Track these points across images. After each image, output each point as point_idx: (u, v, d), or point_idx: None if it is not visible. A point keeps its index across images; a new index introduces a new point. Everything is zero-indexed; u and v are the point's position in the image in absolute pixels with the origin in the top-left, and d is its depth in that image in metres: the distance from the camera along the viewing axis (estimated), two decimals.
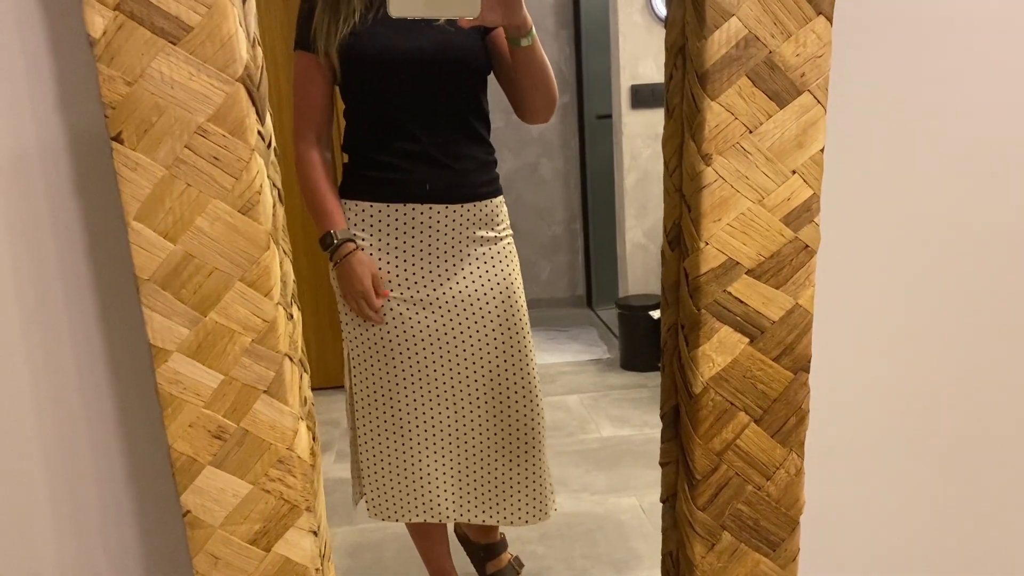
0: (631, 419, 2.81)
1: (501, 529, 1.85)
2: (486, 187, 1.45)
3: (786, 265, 0.78)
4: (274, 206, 0.75)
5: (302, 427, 0.79)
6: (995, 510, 1.07)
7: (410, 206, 1.39)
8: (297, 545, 0.80)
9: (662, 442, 0.92)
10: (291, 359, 0.77)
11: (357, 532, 2.16)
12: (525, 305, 1.54)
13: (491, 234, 1.46)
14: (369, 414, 1.51)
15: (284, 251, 0.79)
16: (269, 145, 0.76)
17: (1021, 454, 1.05)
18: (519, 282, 1.50)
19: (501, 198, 1.48)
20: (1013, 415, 1.04)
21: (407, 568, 1.90)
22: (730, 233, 0.76)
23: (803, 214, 0.77)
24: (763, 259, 0.77)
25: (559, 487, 2.34)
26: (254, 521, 0.78)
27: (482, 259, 1.46)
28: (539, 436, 1.58)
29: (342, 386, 3.34)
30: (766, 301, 0.79)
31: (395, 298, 1.44)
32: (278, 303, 0.74)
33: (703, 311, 0.78)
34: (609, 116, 3.25)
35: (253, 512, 0.78)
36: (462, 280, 1.46)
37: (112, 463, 0.90)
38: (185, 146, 0.68)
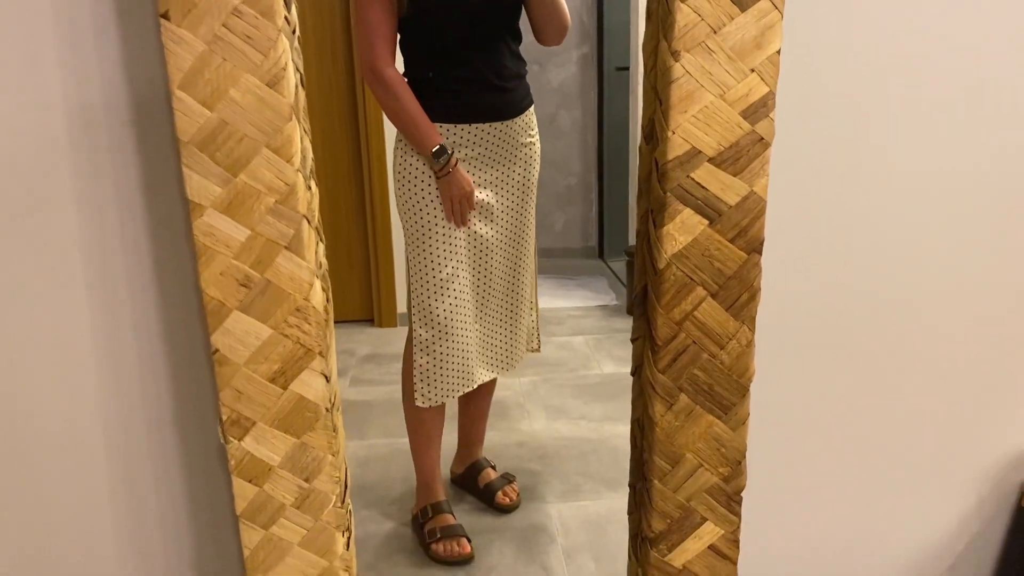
0: None
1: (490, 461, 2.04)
2: (525, 100, 1.64)
3: (743, 155, 0.88)
4: (296, 87, 0.87)
5: (317, 283, 0.91)
6: (926, 374, 1.19)
7: (474, 126, 1.56)
8: (311, 385, 0.93)
9: (633, 320, 1.04)
10: (309, 222, 0.89)
11: (367, 447, 2.31)
12: (535, 199, 1.75)
13: (528, 139, 1.67)
14: (421, 313, 1.66)
15: (304, 129, 0.91)
16: (294, 31, 0.87)
17: (960, 334, 1.16)
18: (536, 177, 1.73)
19: (533, 106, 1.68)
20: (953, 299, 1.15)
21: (408, 479, 2.05)
22: (694, 124, 0.87)
23: (760, 109, 0.87)
24: (723, 149, 0.88)
25: (559, 416, 2.47)
26: (273, 362, 0.91)
27: (520, 163, 1.67)
28: (533, 296, 1.84)
29: (358, 320, 3.48)
30: (724, 187, 0.89)
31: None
32: (298, 170, 0.86)
33: (668, 194, 0.89)
34: (628, 68, 3.32)
35: (273, 354, 0.91)
36: (507, 183, 1.66)
37: (148, 311, 1.04)
38: (222, 24, 0.80)
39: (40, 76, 0.95)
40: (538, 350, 1.93)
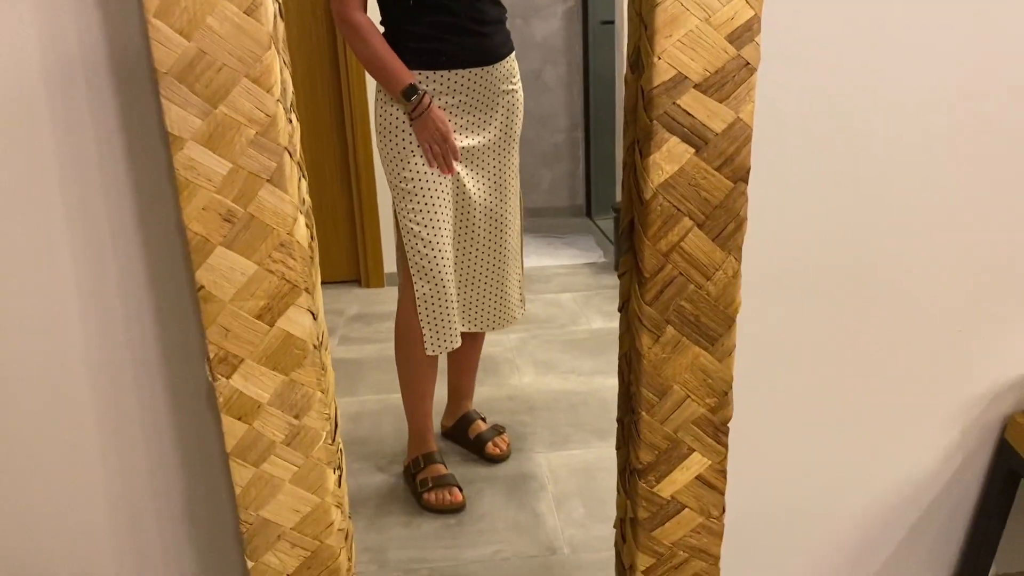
0: None
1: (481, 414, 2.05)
2: (505, 47, 1.63)
3: (729, 80, 0.88)
4: (275, 16, 0.85)
5: (301, 218, 0.90)
6: (911, 306, 1.20)
7: (454, 72, 1.55)
8: (297, 322, 0.92)
9: (620, 255, 1.03)
10: (291, 155, 0.88)
11: (359, 403, 2.32)
12: (518, 151, 1.74)
13: (510, 87, 1.65)
14: (417, 263, 1.65)
15: (284, 61, 0.89)
16: None
17: (945, 266, 1.17)
18: (519, 127, 1.71)
19: (514, 53, 1.66)
20: (939, 230, 1.15)
21: (399, 433, 2.06)
22: (680, 49, 0.86)
23: (745, 33, 0.86)
24: (709, 74, 0.87)
25: (548, 371, 2.49)
26: (259, 298, 0.91)
27: (501, 110, 1.65)
28: (518, 255, 1.83)
29: (346, 281, 3.48)
30: (710, 114, 0.89)
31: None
32: (278, 100, 0.84)
33: (654, 122, 0.89)
34: (612, 22, 3.28)
35: (259, 290, 0.90)
36: (488, 131, 1.64)
37: (132, 251, 1.03)
38: None
39: (12, 11, 0.93)
40: (523, 311, 1.93)
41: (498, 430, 2.01)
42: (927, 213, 1.14)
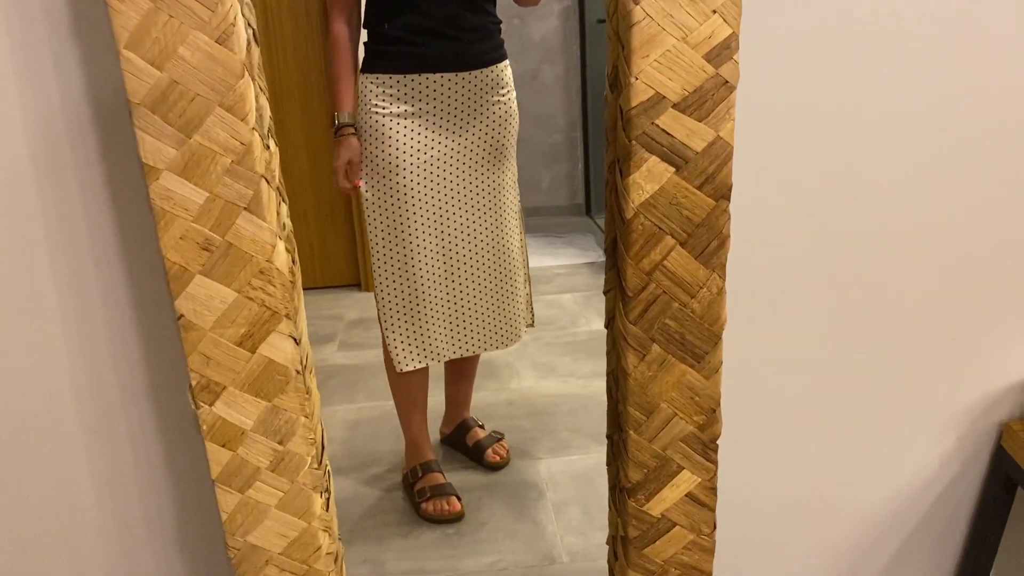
0: None
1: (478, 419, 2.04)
2: (489, 55, 1.60)
3: (708, 99, 0.87)
4: (249, 43, 0.84)
5: (280, 244, 0.90)
6: (900, 315, 1.18)
7: (424, 75, 1.54)
8: (279, 348, 0.92)
9: (606, 272, 1.03)
10: (268, 182, 0.87)
11: (356, 410, 2.32)
12: (514, 162, 1.72)
13: (496, 98, 1.63)
14: (386, 275, 1.67)
15: (260, 87, 0.89)
16: None
17: (934, 276, 1.16)
18: (513, 139, 1.70)
19: (505, 63, 1.64)
20: (927, 239, 1.14)
21: (398, 441, 2.06)
22: (657, 69, 0.85)
23: (723, 51, 0.85)
24: (687, 93, 0.86)
25: (548, 373, 2.48)
26: (240, 325, 0.90)
27: (488, 122, 1.63)
28: (520, 269, 1.80)
29: (345, 285, 3.48)
30: (690, 133, 0.88)
31: (412, 159, 1.59)
32: (253, 128, 0.84)
33: (634, 142, 0.88)
34: None
35: (239, 317, 0.90)
36: (469, 140, 1.62)
37: (115, 282, 1.03)
38: None
39: None
40: (532, 325, 1.92)
41: (496, 437, 2.01)
42: (915, 224, 1.13)
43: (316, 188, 3.07)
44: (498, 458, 1.95)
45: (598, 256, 3.47)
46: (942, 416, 1.26)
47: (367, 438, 2.14)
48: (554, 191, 4.00)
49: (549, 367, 2.50)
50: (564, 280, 3.23)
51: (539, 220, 3.84)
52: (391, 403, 2.25)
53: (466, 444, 1.99)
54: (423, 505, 1.78)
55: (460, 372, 1.99)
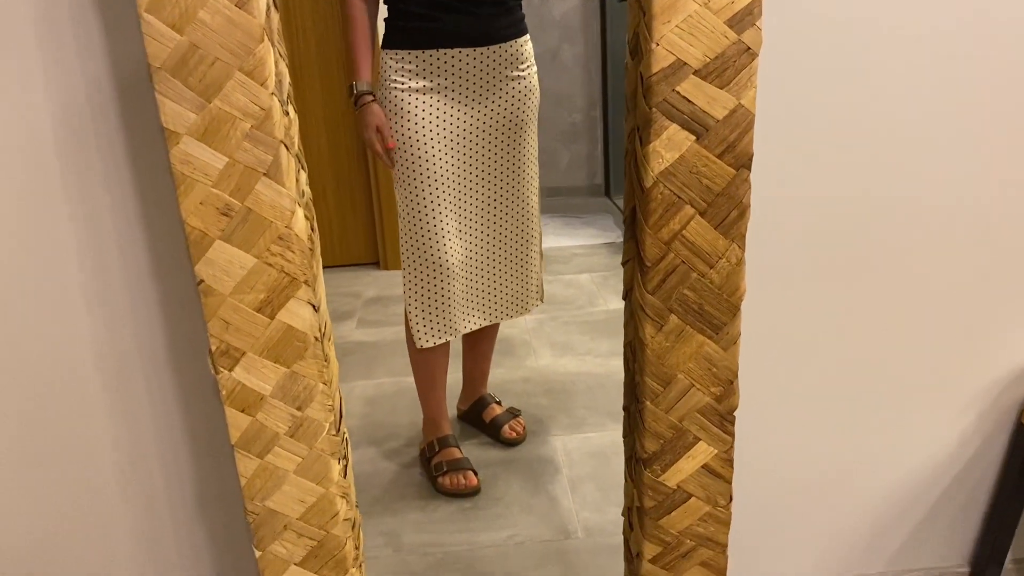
0: None
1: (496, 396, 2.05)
2: (508, 29, 1.60)
3: (730, 66, 0.86)
4: (268, 7, 0.84)
5: (299, 211, 0.90)
6: (922, 289, 1.17)
7: (442, 51, 1.55)
8: (298, 315, 0.92)
9: (624, 243, 1.02)
10: (287, 148, 0.87)
11: (375, 386, 2.33)
12: (535, 137, 1.72)
13: (515, 73, 1.63)
14: (409, 249, 1.68)
15: (280, 53, 0.89)
16: None
17: (957, 249, 1.14)
18: (534, 115, 1.70)
19: (526, 38, 1.64)
20: (950, 212, 1.13)
21: (415, 414, 2.07)
22: (678, 35, 0.84)
23: (746, 17, 0.84)
24: (708, 60, 0.85)
25: (566, 353, 2.48)
26: (259, 291, 0.91)
27: (506, 98, 1.63)
28: (536, 243, 1.80)
29: (365, 263, 3.49)
30: (711, 100, 0.87)
31: (432, 135, 1.59)
32: (273, 93, 0.84)
33: (654, 110, 0.87)
34: None
35: (258, 283, 0.90)
36: (489, 115, 1.62)
37: (136, 248, 1.04)
38: None
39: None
40: (541, 301, 1.92)
41: (513, 413, 2.01)
42: (939, 195, 1.11)
43: (335, 167, 3.08)
44: (514, 434, 1.96)
45: (616, 237, 3.46)
46: (963, 394, 1.25)
47: (385, 413, 2.16)
48: (573, 171, 3.99)
49: (566, 346, 2.50)
50: (582, 260, 3.23)
51: (558, 200, 3.83)
52: (408, 379, 2.27)
53: (483, 420, 2.00)
54: (440, 479, 1.79)
55: (478, 349, 2.00)
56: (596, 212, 3.79)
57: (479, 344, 1.99)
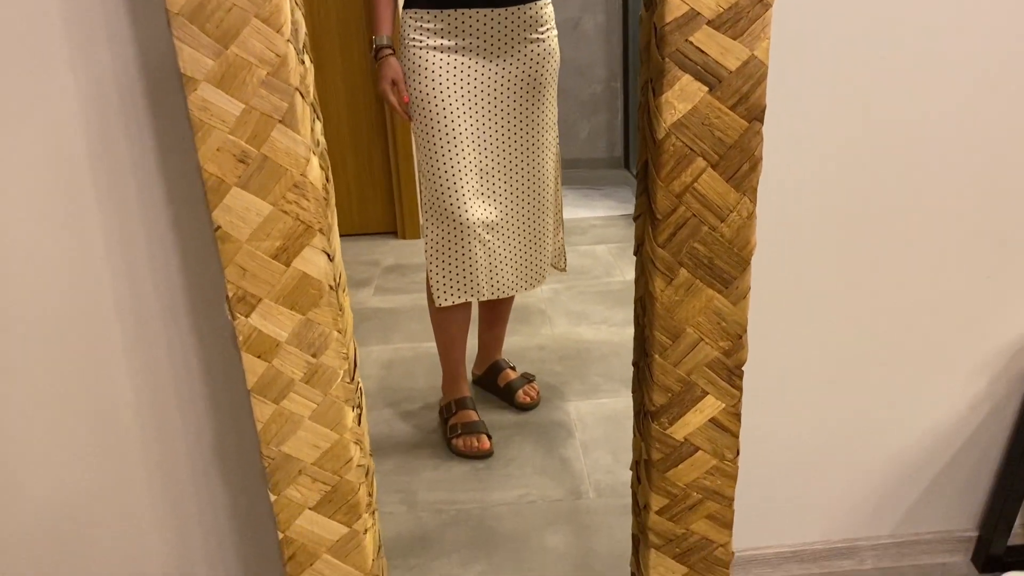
0: None
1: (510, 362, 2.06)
2: None
3: (743, 16, 0.85)
4: None
5: (314, 159, 0.91)
6: (935, 248, 1.17)
7: (462, 10, 1.56)
8: (313, 262, 0.94)
9: (636, 197, 1.03)
10: (303, 96, 0.88)
11: (391, 350, 2.36)
12: (554, 103, 1.73)
13: (535, 35, 1.63)
14: (430, 209, 1.69)
15: (296, 2, 0.90)
16: None
17: (968, 219, 1.13)
18: (553, 78, 1.70)
19: (546, 0, 1.64)
20: (966, 170, 1.12)
21: (431, 378, 2.10)
22: None
23: None
24: (722, 10, 0.85)
25: (581, 321, 2.49)
26: (275, 238, 0.92)
27: (526, 60, 1.64)
28: (547, 209, 1.80)
29: (381, 232, 3.51)
30: (724, 51, 0.87)
31: (451, 92, 1.61)
32: (288, 40, 0.85)
33: (667, 60, 0.87)
34: None
35: (274, 230, 0.92)
36: (507, 77, 1.63)
37: (155, 197, 1.06)
38: None
39: None
40: (564, 269, 1.93)
41: (528, 378, 2.03)
42: (953, 154, 1.10)
43: (355, 136, 3.09)
44: (528, 399, 1.98)
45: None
46: (974, 358, 1.24)
47: (401, 376, 2.19)
48: (593, 142, 3.97)
49: (582, 315, 2.51)
50: (599, 231, 3.23)
51: (577, 172, 3.82)
52: (425, 344, 2.29)
53: (497, 385, 2.02)
54: (454, 441, 1.81)
55: (494, 314, 2.01)
56: (615, 184, 3.78)
57: (495, 309, 2.00)
